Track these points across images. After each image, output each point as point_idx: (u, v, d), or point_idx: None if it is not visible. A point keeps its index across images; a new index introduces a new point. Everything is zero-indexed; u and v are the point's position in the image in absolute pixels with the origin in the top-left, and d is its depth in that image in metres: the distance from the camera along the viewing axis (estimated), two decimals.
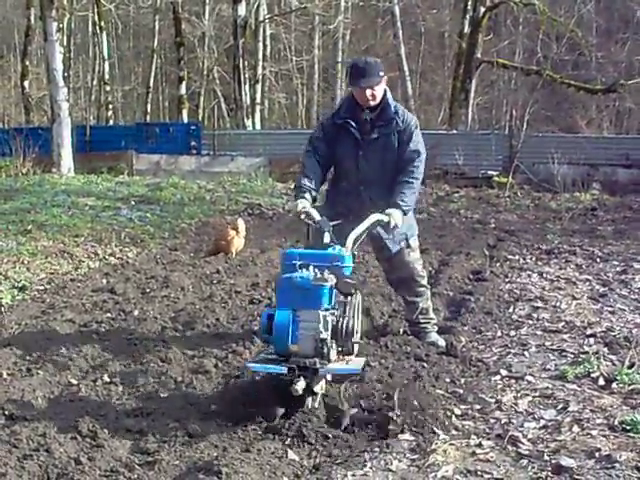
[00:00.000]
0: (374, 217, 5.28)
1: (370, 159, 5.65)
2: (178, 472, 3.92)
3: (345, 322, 4.60)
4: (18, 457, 3.98)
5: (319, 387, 4.58)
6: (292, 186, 5.89)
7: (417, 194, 5.66)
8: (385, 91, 5.58)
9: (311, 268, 4.59)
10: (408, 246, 5.91)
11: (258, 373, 4.75)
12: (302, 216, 5.36)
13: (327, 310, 4.54)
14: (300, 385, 4.31)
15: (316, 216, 5.30)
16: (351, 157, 5.70)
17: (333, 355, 4.51)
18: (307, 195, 5.46)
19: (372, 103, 5.53)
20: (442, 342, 6.05)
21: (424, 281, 6.12)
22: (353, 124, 5.61)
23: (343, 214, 5.53)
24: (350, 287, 4.67)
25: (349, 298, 4.76)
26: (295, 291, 4.51)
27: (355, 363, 4.78)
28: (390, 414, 4.39)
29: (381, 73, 5.52)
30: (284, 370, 4.38)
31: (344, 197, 5.82)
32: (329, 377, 4.78)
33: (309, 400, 4.50)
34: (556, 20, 28.10)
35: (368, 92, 5.46)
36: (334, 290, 4.63)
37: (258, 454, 4.02)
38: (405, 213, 5.46)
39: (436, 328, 6.25)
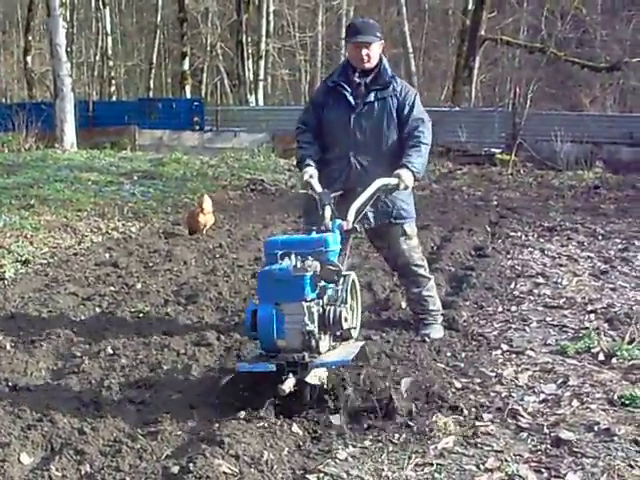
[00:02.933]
0: (379, 182, 5.00)
1: (363, 124, 5.37)
2: (181, 442, 3.94)
3: (332, 310, 4.33)
4: (22, 427, 4.01)
5: (316, 378, 4.31)
6: (294, 162, 5.68)
7: (425, 161, 5.31)
8: (381, 57, 5.36)
9: (292, 257, 4.33)
10: (404, 233, 5.57)
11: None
12: (308, 186, 5.14)
13: (312, 300, 4.28)
14: (287, 384, 4.08)
15: (318, 188, 5.06)
16: (343, 121, 5.38)
17: (323, 346, 4.30)
18: (312, 162, 5.27)
19: (367, 65, 5.29)
20: (437, 334, 5.71)
21: (422, 270, 5.74)
22: (346, 87, 5.35)
23: (330, 185, 5.21)
24: (333, 274, 4.32)
25: (341, 282, 4.49)
26: (276, 284, 4.24)
27: (350, 350, 4.47)
28: (394, 399, 4.27)
29: (378, 34, 5.31)
30: (272, 368, 4.18)
31: (330, 166, 5.47)
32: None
33: (306, 392, 4.26)
34: None
35: (364, 51, 5.22)
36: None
37: (260, 425, 4.04)
38: (414, 175, 5.14)
39: (439, 319, 5.85)
